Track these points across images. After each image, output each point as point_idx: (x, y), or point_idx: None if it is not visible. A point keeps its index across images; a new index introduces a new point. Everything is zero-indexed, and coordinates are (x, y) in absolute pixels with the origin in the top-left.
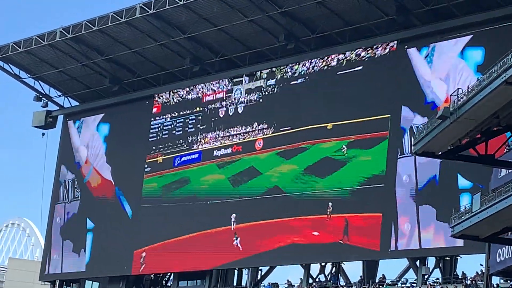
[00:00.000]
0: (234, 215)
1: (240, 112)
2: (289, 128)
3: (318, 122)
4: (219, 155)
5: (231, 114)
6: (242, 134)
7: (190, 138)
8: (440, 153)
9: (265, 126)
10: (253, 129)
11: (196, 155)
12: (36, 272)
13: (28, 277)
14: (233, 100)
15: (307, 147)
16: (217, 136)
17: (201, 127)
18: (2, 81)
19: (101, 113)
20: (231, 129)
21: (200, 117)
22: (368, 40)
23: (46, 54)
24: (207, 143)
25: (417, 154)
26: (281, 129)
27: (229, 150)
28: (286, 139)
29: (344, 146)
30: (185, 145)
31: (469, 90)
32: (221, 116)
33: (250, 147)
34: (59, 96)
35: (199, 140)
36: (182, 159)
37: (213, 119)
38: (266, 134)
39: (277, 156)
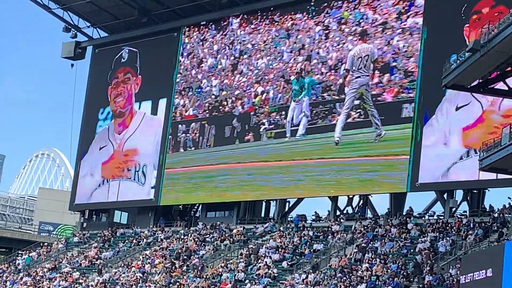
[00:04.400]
0: None
1: None
2: None
3: None
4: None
5: None
6: None
7: None
8: (469, 86)
9: None
10: None
11: None
12: (65, 201)
13: (58, 207)
14: None
15: None
16: None
17: None
18: (31, 11)
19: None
20: None
21: None
22: None
23: None
24: None
25: (447, 87)
26: None
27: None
28: None
29: None
30: None
31: (500, 23)
32: None
33: None
34: (88, 27)
35: None
36: None
37: None
38: None
39: None
